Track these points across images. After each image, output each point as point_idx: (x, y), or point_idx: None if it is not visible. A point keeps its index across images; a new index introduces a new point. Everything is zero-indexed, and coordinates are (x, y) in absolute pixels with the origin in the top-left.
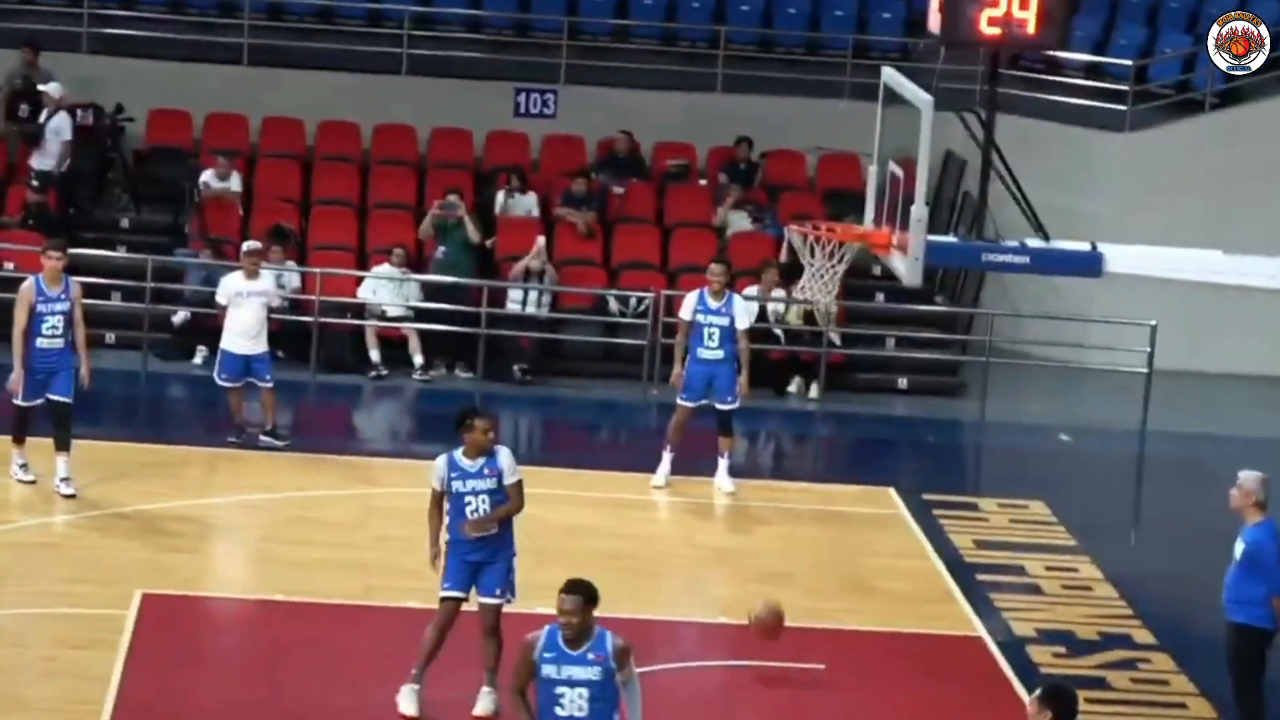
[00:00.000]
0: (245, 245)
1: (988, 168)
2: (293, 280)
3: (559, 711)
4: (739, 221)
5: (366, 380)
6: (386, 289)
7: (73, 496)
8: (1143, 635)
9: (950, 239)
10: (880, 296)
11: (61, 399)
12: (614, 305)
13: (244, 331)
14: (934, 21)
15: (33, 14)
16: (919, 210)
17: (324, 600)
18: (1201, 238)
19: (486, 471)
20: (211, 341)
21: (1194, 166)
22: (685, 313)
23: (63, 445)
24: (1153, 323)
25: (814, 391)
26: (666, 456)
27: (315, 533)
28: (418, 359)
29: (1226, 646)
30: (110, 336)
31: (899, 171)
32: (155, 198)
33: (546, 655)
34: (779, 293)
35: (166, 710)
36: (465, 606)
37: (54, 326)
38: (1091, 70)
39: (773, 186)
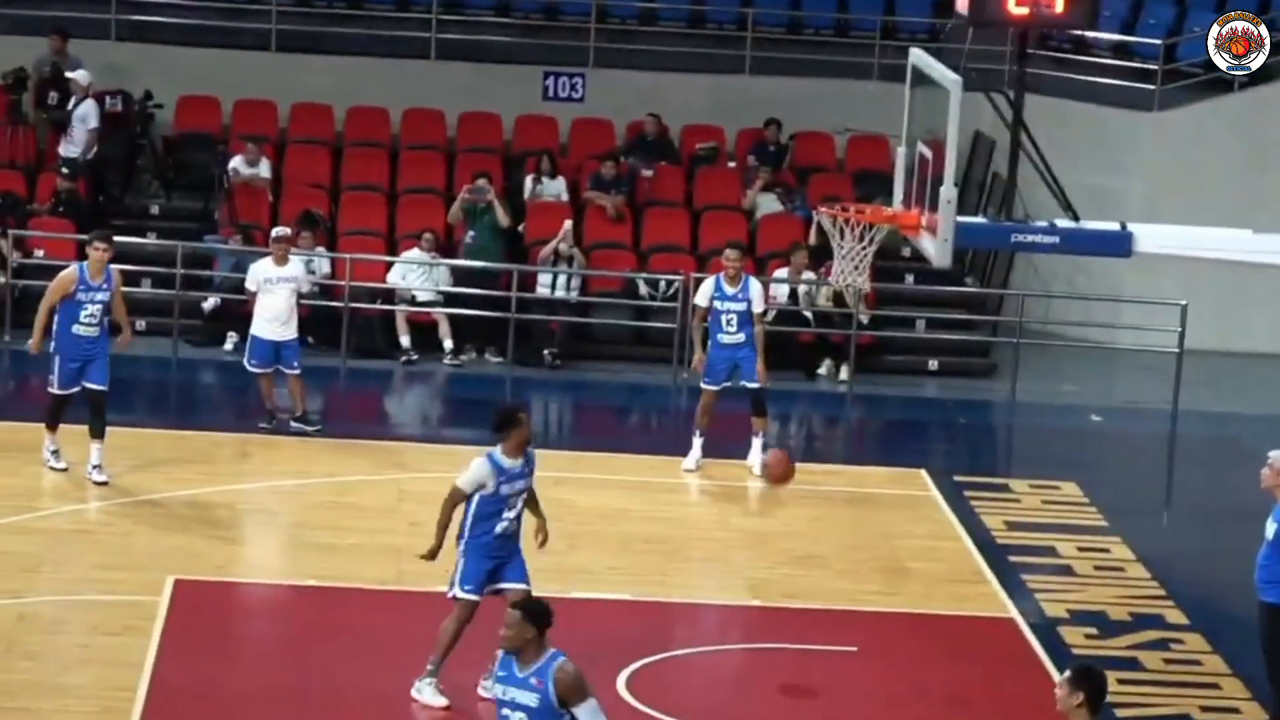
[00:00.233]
0: (274, 231)
1: (1017, 148)
2: (323, 266)
3: None
4: (768, 204)
5: (397, 365)
6: (416, 274)
7: (105, 484)
8: (1175, 616)
9: (980, 220)
10: (910, 278)
11: (97, 387)
12: (643, 289)
13: (274, 317)
14: (962, 2)
15: (61, 1)
16: (948, 191)
17: (356, 585)
18: (1231, 216)
19: (525, 469)
20: (242, 328)
21: (1223, 145)
22: (702, 299)
23: (97, 433)
24: (1183, 302)
25: (844, 374)
26: (696, 440)
27: (347, 518)
28: (448, 344)
29: (1259, 626)
30: (141, 323)
31: (928, 152)
32: (185, 184)
33: (500, 674)
34: (808, 275)
35: (200, 695)
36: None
37: (92, 315)
38: (1120, 49)
39: (802, 168)
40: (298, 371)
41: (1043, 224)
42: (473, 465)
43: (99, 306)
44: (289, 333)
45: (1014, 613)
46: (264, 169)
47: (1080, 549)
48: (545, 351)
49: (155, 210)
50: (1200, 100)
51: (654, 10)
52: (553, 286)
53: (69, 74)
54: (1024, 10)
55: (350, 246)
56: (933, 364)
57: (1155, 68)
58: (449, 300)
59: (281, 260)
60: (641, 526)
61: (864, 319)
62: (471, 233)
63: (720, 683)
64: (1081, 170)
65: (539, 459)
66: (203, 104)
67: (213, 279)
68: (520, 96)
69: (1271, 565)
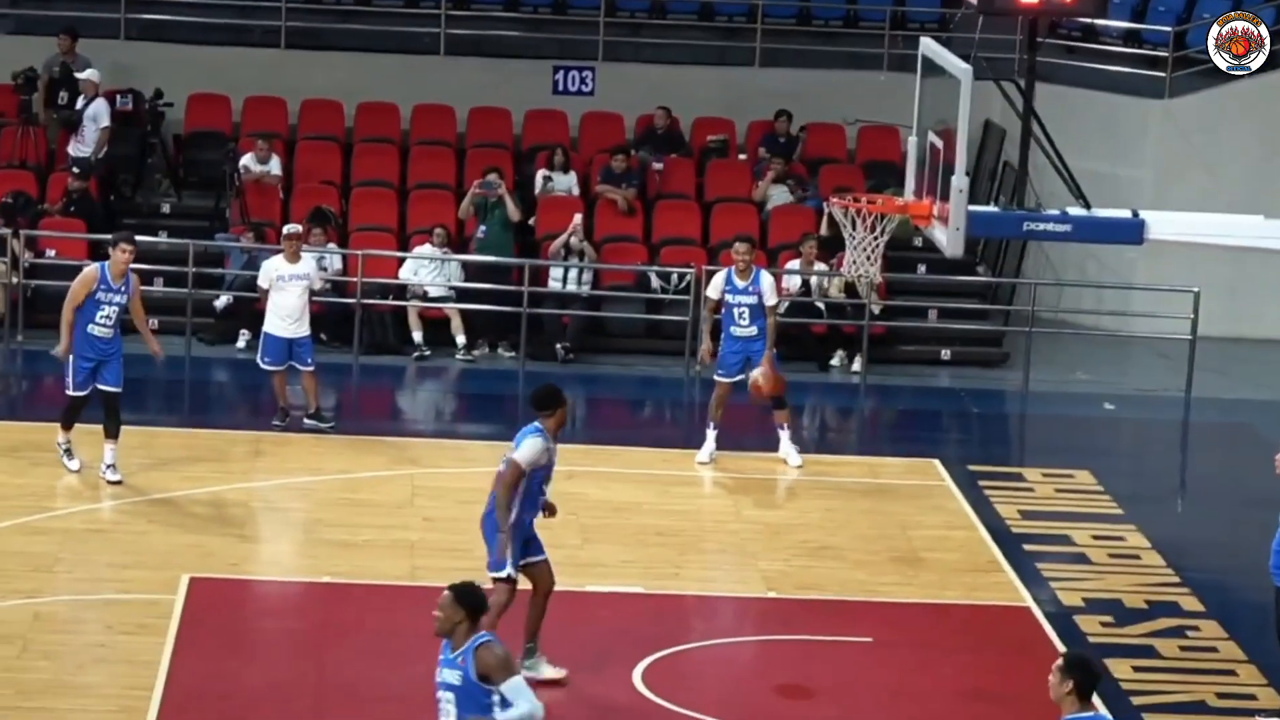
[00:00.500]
0: (286, 229)
1: (1028, 137)
2: (334, 262)
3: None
4: (779, 195)
5: (410, 361)
6: (428, 269)
7: (119, 483)
8: (1190, 603)
9: (991, 209)
10: (922, 268)
11: (111, 389)
12: (655, 282)
13: (286, 315)
14: None
15: (70, 1)
16: (959, 180)
17: (371, 581)
18: (1242, 203)
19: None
20: (254, 325)
21: (1234, 132)
22: (713, 291)
23: (112, 433)
24: (1195, 289)
25: (857, 365)
26: (710, 433)
27: (361, 514)
28: (460, 339)
29: (1274, 612)
30: (154, 322)
31: (939, 142)
32: (196, 183)
33: (442, 656)
34: (820, 265)
35: (216, 693)
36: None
37: (108, 316)
38: (1130, 37)
39: (812, 160)
40: (311, 368)
41: (1054, 212)
42: (527, 443)
43: (116, 309)
44: (302, 330)
45: (1029, 601)
46: (275, 166)
47: (1095, 537)
48: (558, 345)
49: (166, 209)
50: (1211, 87)
51: (663, 3)
52: (564, 280)
53: (79, 74)
54: None
55: (362, 243)
56: (945, 354)
57: (1165, 55)
58: (461, 295)
59: (293, 257)
60: (655, 519)
61: (876, 309)
62: (483, 228)
63: (736, 675)
64: (1093, 158)
65: (558, 452)
66: (213, 102)
67: (225, 277)
68: (530, 91)
69: None
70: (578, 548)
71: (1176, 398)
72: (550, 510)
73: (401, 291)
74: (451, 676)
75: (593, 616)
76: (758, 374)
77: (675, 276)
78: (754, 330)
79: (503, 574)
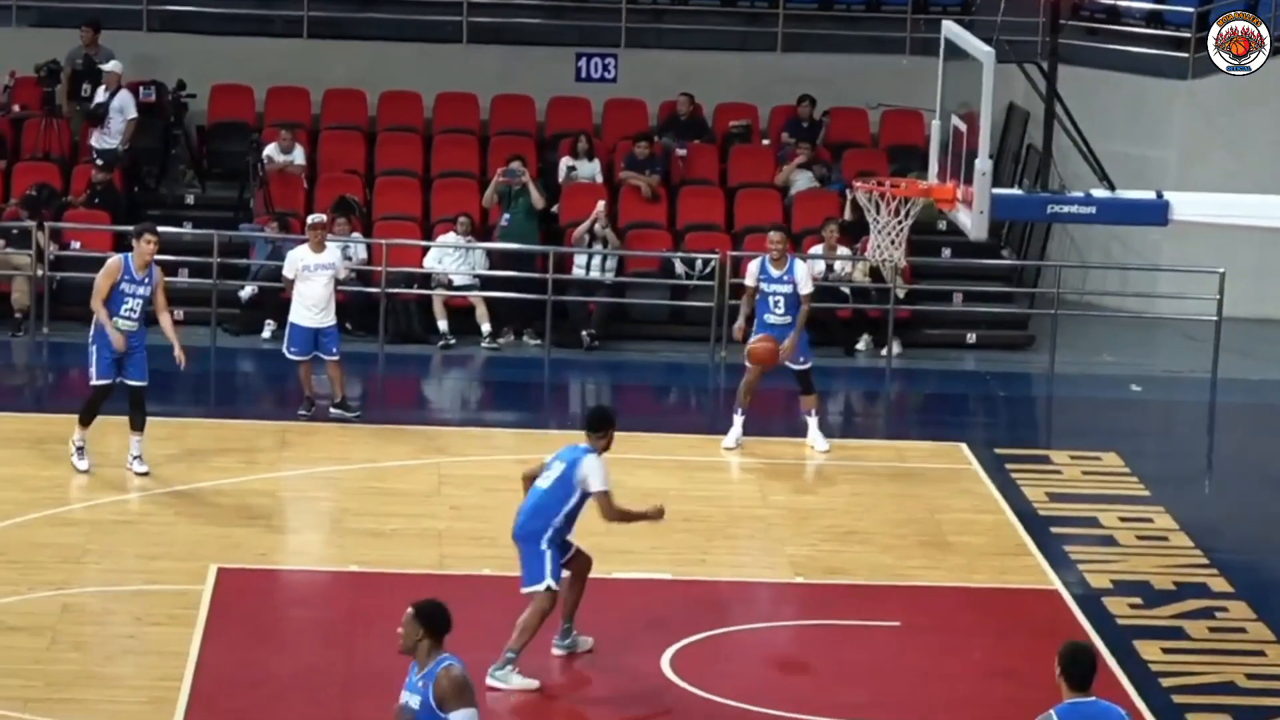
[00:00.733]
0: (310, 218)
1: (1051, 119)
2: (359, 252)
3: None
4: (803, 180)
5: (435, 350)
6: (452, 258)
7: (146, 474)
8: (1219, 584)
9: (1015, 191)
10: (947, 251)
11: (136, 383)
12: (680, 268)
13: (313, 305)
14: None
15: None
16: (983, 164)
17: (399, 570)
18: (1267, 183)
19: None
20: (279, 315)
21: (1258, 112)
22: (749, 279)
23: (138, 425)
24: (1221, 270)
25: (895, 348)
26: (737, 418)
27: (388, 504)
28: (485, 327)
29: None
30: (179, 313)
31: (962, 125)
32: (219, 173)
33: (408, 678)
34: (842, 250)
35: (245, 683)
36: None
37: (132, 309)
38: (1153, 18)
39: (836, 144)
40: (337, 358)
41: (1079, 194)
42: (600, 466)
43: (140, 300)
44: (328, 319)
45: (1057, 584)
46: (298, 156)
47: (1122, 519)
48: (583, 333)
49: (190, 200)
50: None
51: None
52: (587, 267)
53: (103, 66)
54: None
55: (386, 232)
56: (971, 337)
57: (1188, 36)
58: (485, 284)
59: (318, 247)
60: (682, 505)
61: (901, 294)
62: (507, 215)
63: (764, 660)
64: (1116, 140)
65: (582, 439)
66: (236, 92)
67: (249, 267)
68: (553, 78)
69: None
70: (605, 534)
71: (1203, 379)
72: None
73: (426, 280)
74: (413, 700)
75: (620, 603)
76: (762, 344)
77: (699, 262)
78: (788, 319)
79: (542, 586)
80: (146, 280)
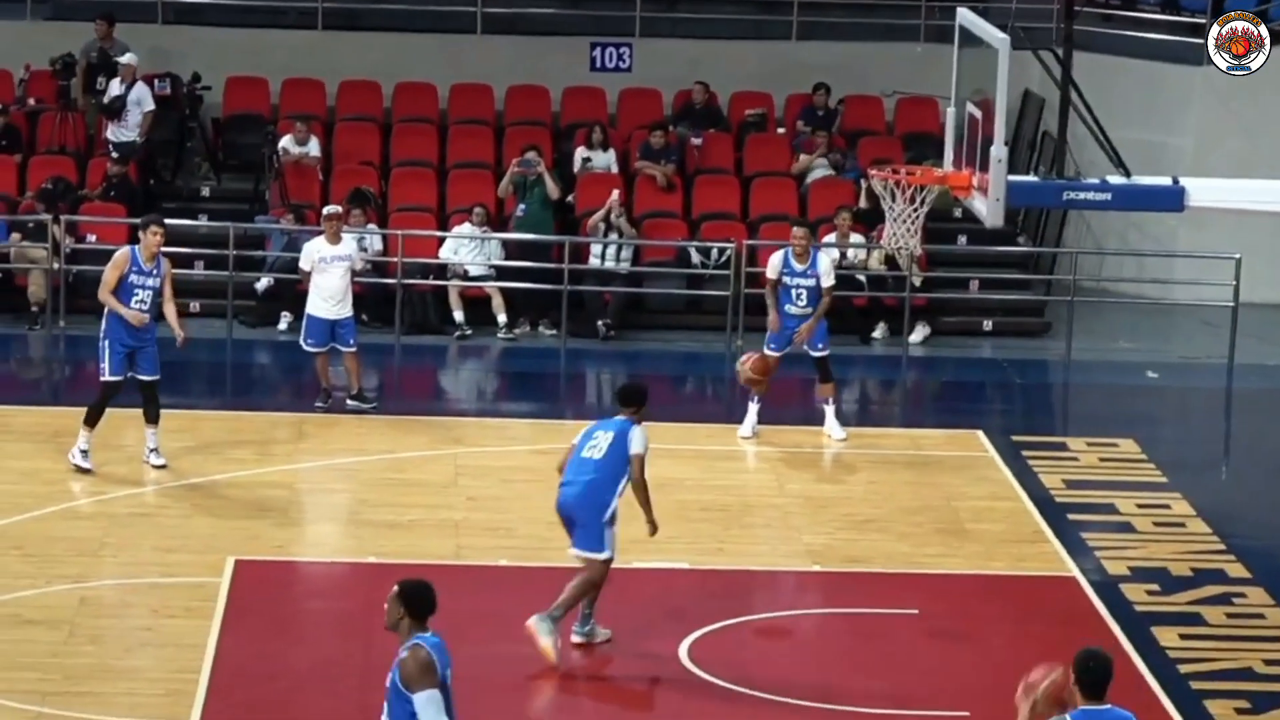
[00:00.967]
0: (325, 210)
1: (1066, 106)
2: (375, 243)
3: None
4: (818, 169)
5: (451, 340)
6: (468, 248)
7: (163, 467)
8: (1236, 570)
9: (1031, 178)
10: (962, 239)
11: (149, 378)
12: (696, 257)
13: (330, 296)
14: None
15: None
16: (999, 151)
17: (416, 561)
18: None
19: None
20: (295, 307)
21: (1274, 97)
22: (771, 272)
23: (152, 418)
24: (1237, 255)
25: (916, 335)
26: (752, 407)
27: (405, 494)
28: (501, 317)
29: None
30: (195, 305)
31: (977, 113)
32: (235, 166)
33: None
34: (856, 238)
35: (263, 675)
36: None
37: (142, 301)
38: (1168, 4)
39: (851, 132)
40: (354, 349)
41: (1094, 181)
42: (643, 436)
43: (149, 293)
44: (345, 311)
45: (1075, 571)
46: (313, 148)
47: (1140, 506)
48: (599, 322)
49: (206, 192)
50: None
51: None
52: (602, 257)
53: (119, 58)
54: None
55: (401, 223)
56: (987, 324)
57: (1204, 21)
58: (501, 274)
59: (334, 239)
60: (699, 494)
61: (917, 281)
62: (522, 206)
63: (782, 649)
64: (1132, 126)
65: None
66: (251, 84)
67: (265, 259)
68: (568, 68)
69: None
70: (622, 524)
71: (1219, 365)
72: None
73: (442, 271)
74: (390, 678)
75: (638, 593)
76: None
77: (715, 252)
78: (810, 309)
79: (603, 556)
80: (155, 271)
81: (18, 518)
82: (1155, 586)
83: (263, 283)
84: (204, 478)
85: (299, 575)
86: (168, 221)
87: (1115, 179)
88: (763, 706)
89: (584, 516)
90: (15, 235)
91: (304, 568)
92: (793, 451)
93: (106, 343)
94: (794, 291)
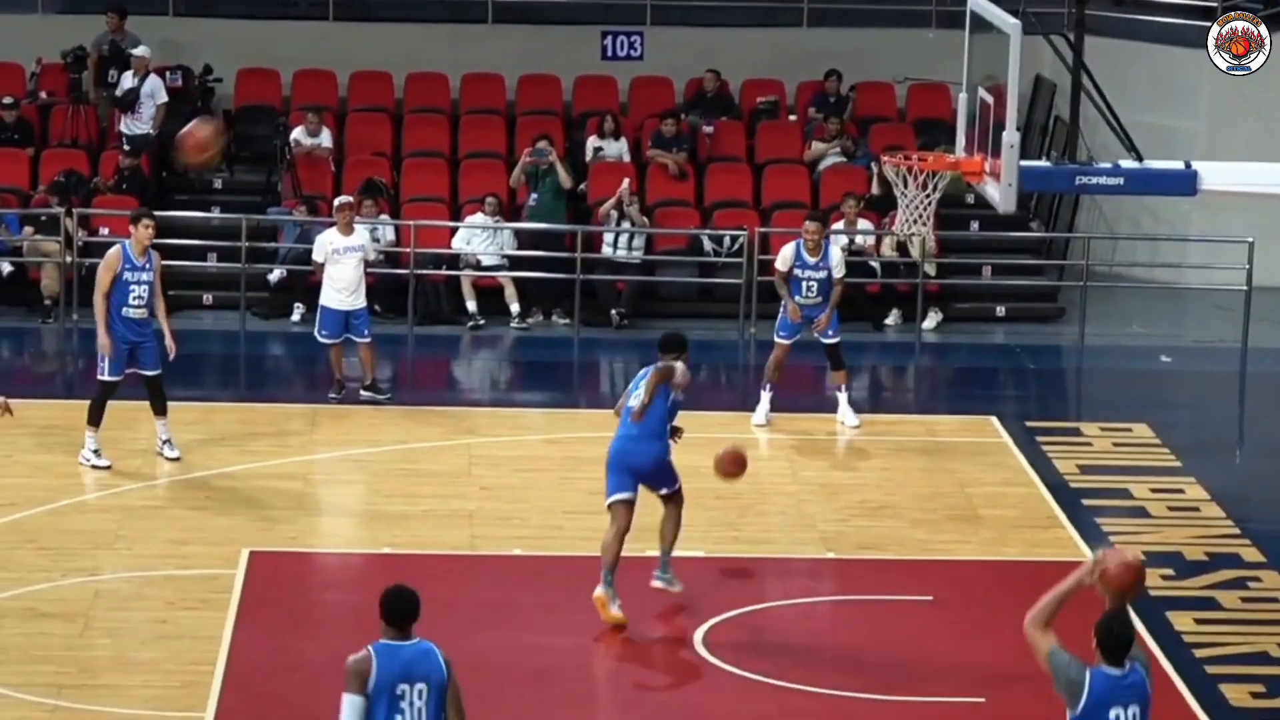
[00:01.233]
0: (336, 200)
1: (1078, 90)
2: (387, 234)
3: None
4: (830, 156)
5: (464, 331)
6: (480, 239)
7: (177, 459)
8: (1251, 554)
9: (1043, 163)
10: (975, 225)
11: (151, 373)
12: (708, 245)
13: (343, 287)
14: None
15: None
16: (1011, 136)
17: (431, 552)
18: None
19: None
20: (308, 299)
21: None
22: (782, 264)
23: (160, 410)
24: (1250, 239)
25: (929, 321)
26: (765, 395)
27: (419, 485)
28: (514, 307)
29: None
30: (208, 297)
31: (989, 98)
32: (247, 157)
33: None
34: (864, 224)
35: (278, 667)
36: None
37: (140, 296)
38: None
39: (863, 119)
40: (369, 340)
41: (1106, 165)
42: (683, 369)
43: (145, 287)
44: (358, 302)
45: (1089, 557)
46: (325, 139)
47: (1154, 490)
48: (612, 311)
49: (218, 184)
50: None
51: None
52: (615, 246)
53: (132, 51)
54: None
55: (414, 213)
56: (1000, 310)
57: (1215, 5)
58: (514, 264)
59: (346, 229)
60: (712, 482)
61: (929, 268)
62: (534, 195)
63: (797, 636)
64: (1144, 110)
65: (612, 418)
66: (262, 76)
67: (278, 251)
68: (579, 57)
69: None
70: (637, 512)
71: (1233, 349)
72: (677, 433)
73: (455, 261)
74: None
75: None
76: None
77: (728, 239)
78: (820, 299)
79: (679, 485)
80: (147, 265)
81: (31, 511)
82: (1170, 571)
83: (275, 274)
84: (218, 469)
85: (313, 566)
86: (180, 214)
87: (1127, 163)
88: (778, 693)
89: (651, 461)
90: (28, 229)
91: (318, 559)
92: (806, 439)
93: (109, 341)
94: (805, 284)
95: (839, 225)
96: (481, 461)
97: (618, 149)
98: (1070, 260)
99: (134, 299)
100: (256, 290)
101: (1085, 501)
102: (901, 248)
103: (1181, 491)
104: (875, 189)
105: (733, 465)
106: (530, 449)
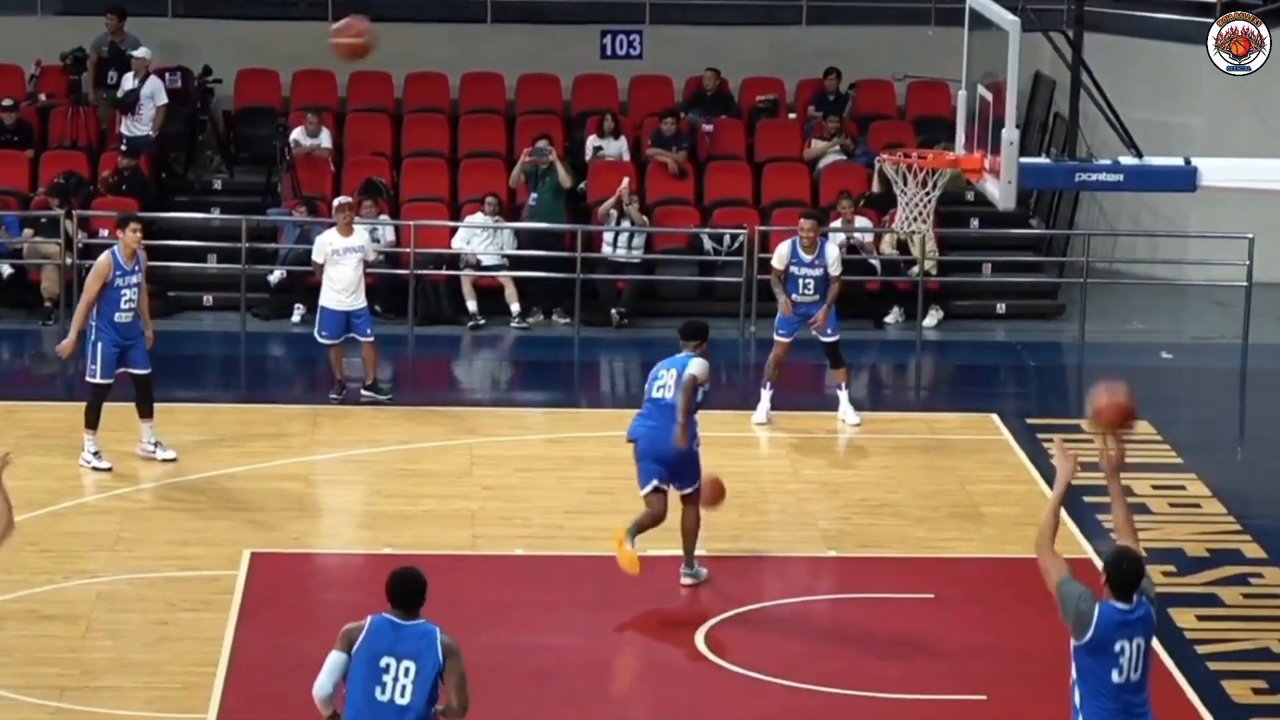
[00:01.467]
0: (336, 200)
1: (1077, 87)
2: (387, 234)
3: None
4: (830, 154)
5: (465, 331)
6: (480, 238)
7: (173, 460)
8: (1253, 550)
9: (1043, 160)
10: (975, 222)
11: (143, 372)
12: (708, 244)
13: (344, 288)
14: None
15: None
16: (1010, 133)
17: (432, 552)
18: None
19: None
20: (308, 299)
21: None
22: (778, 262)
23: (147, 413)
24: (1250, 235)
25: (930, 319)
26: (765, 393)
27: (421, 485)
28: (515, 307)
29: None
30: (208, 299)
31: (988, 95)
32: (247, 158)
33: None
34: (862, 222)
35: (280, 667)
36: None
37: (130, 300)
38: None
39: (862, 117)
40: (371, 339)
41: (1106, 162)
42: (703, 363)
43: (134, 290)
44: (358, 302)
45: (1090, 553)
46: (325, 139)
47: (1155, 487)
48: (612, 310)
49: (218, 185)
50: None
51: None
52: (615, 245)
53: (133, 53)
54: None
55: (413, 213)
56: (1000, 307)
57: (1214, 0)
58: (514, 263)
59: (346, 230)
60: None
61: (930, 266)
62: (534, 195)
63: (799, 635)
64: (1143, 107)
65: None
66: (261, 77)
67: (278, 252)
68: (578, 56)
69: None
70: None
71: (1233, 345)
72: None
73: (455, 261)
74: None
75: (655, 581)
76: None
77: (728, 238)
78: (816, 297)
79: (698, 485)
80: (136, 269)
81: (33, 514)
82: (1171, 567)
83: (276, 275)
84: (218, 470)
85: (315, 567)
86: (180, 215)
87: (1127, 160)
88: (780, 693)
89: (676, 454)
90: (28, 231)
91: (320, 559)
92: (807, 437)
93: (100, 345)
94: (801, 281)
95: (834, 224)
96: (482, 461)
97: (617, 148)
98: (1070, 257)
99: (125, 303)
100: (257, 291)
101: (1086, 498)
102: (902, 246)
103: (1183, 488)
104: (875, 187)
105: (712, 494)
106: (531, 448)
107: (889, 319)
